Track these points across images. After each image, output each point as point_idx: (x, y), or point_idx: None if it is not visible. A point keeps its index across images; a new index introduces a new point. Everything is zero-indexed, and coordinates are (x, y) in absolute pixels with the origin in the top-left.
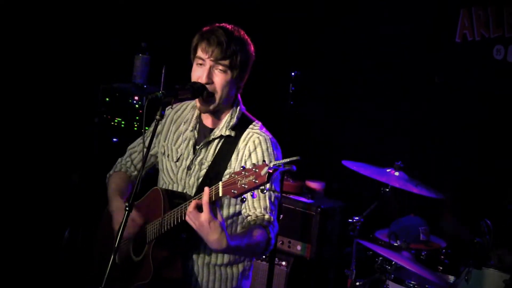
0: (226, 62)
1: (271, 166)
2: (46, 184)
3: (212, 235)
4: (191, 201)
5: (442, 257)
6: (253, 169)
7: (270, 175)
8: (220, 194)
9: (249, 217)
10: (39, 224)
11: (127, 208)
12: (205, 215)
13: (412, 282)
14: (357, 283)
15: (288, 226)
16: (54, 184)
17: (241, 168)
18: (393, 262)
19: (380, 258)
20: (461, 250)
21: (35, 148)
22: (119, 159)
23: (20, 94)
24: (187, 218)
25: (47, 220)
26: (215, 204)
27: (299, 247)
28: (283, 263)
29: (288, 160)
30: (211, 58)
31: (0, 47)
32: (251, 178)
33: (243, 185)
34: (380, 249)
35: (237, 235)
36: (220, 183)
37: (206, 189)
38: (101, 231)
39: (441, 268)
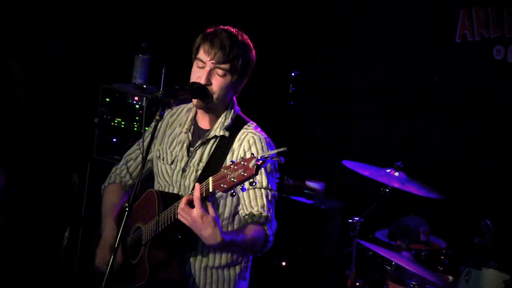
0: (227, 66)
1: (259, 158)
2: (46, 184)
3: (206, 230)
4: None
5: (442, 257)
6: (242, 162)
7: (258, 167)
8: (211, 190)
9: (246, 217)
10: (39, 224)
11: (127, 209)
12: (197, 211)
13: (412, 283)
14: (357, 283)
15: (288, 226)
16: (54, 184)
17: (231, 163)
18: (393, 263)
19: (380, 258)
20: (461, 250)
21: (35, 148)
22: (114, 168)
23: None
24: (179, 215)
25: (47, 220)
26: (208, 199)
27: (299, 247)
28: (283, 263)
29: (275, 151)
30: (213, 61)
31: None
32: (240, 171)
33: (232, 179)
34: (380, 249)
35: (232, 231)
36: (210, 178)
37: (197, 185)
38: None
39: (441, 268)
